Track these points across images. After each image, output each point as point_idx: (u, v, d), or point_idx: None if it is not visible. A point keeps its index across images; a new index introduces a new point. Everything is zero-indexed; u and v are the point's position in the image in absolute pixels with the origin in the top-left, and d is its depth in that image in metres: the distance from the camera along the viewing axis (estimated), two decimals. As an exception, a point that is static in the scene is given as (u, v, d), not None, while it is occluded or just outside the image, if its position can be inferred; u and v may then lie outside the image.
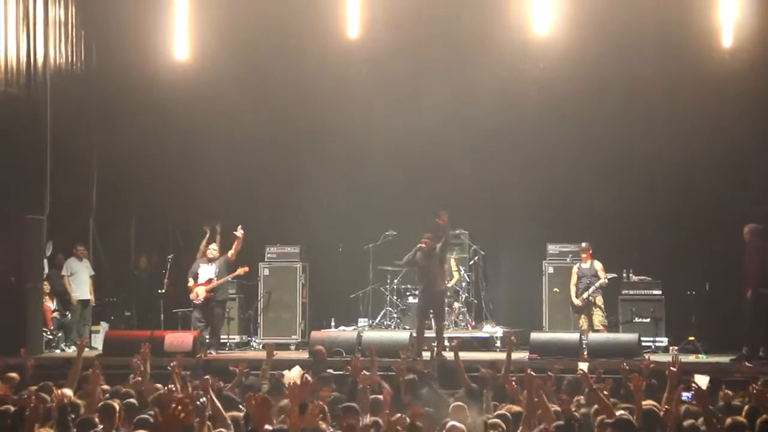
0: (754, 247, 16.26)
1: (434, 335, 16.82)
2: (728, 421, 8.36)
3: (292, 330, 19.23)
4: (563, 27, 18.88)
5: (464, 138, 20.03)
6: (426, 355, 16.02)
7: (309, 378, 9.00)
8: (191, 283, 17.95)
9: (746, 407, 9.12)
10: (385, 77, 19.91)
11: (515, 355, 16.85)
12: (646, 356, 15.39)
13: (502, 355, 16.65)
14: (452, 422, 8.11)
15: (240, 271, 18.17)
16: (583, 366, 10.39)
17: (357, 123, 20.01)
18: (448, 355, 15.97)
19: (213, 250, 18.07)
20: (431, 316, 17.01)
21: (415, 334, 16.92)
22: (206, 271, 17.95)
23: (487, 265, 20.25)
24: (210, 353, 17.15)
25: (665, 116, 19.16)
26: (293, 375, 11.52)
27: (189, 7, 19.91)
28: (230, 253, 17.90)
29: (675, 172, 19.06)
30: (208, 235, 19.64)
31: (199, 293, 17.81)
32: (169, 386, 9.75)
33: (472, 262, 19.82)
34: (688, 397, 9.88)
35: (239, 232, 17.72)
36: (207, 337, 17.69)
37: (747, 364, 11.36)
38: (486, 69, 19.55)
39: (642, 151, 19.29)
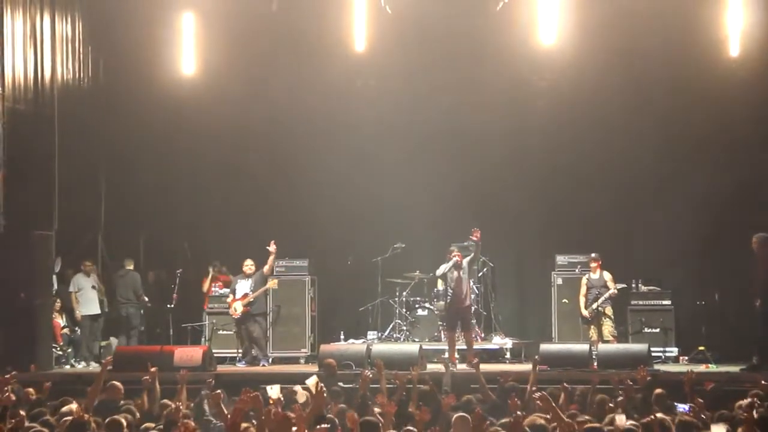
0: (762, 257, 16.23)
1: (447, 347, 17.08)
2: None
3: (302, 343, 19.21)
4: (570, 37, 18.89)
5: (472, 149, 20.07)
6: (432, 367, 16.12)
7: (324, 388, 8.96)
8: (230, 299, 18.43)
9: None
10: (392, 90, 19.92)
11: (525, 367, 16.88)
12: (653, 370, 15.36)
13: (511, 367, 16.83)
14: None
15: (270, 284, 18.44)
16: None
17: (364, 136, 20.04)
18: (461, 367, 16.04)
19: (249, 265, 18.46)
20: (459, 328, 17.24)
21: (424, 347, 17.23)
22: (242, 287, 18.46)
23: (496, 277, 20.21)
24: (263, 365, 18.03)
25: (672, 126, 19.19)
26: (310, 384, 11.50)
27: (195, 22, 19.97)
28: (265, 268, 18.28)
29: (683, 181, 19.02)
30: (210, 275, 19.74)
31: (237, 308, 18.27)
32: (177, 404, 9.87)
33: (481, 273, 19.76)
34: (685, 408, 9.86)
35: (272, 247, 18.00)
36: (253, 351, 18.28)
37: (763, 382, 11.26)
38: (493, 80, 19.61)
39: (650, 160, 19.32)
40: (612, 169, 19.41)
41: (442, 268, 17.07)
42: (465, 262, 16.88)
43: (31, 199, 17.83)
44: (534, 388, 11.45)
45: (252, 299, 18.25)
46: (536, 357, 13.72)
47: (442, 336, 18.79)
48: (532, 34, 19.02)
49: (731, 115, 18.62)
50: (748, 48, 18.31)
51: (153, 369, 12.07)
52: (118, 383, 12.11)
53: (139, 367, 13.35)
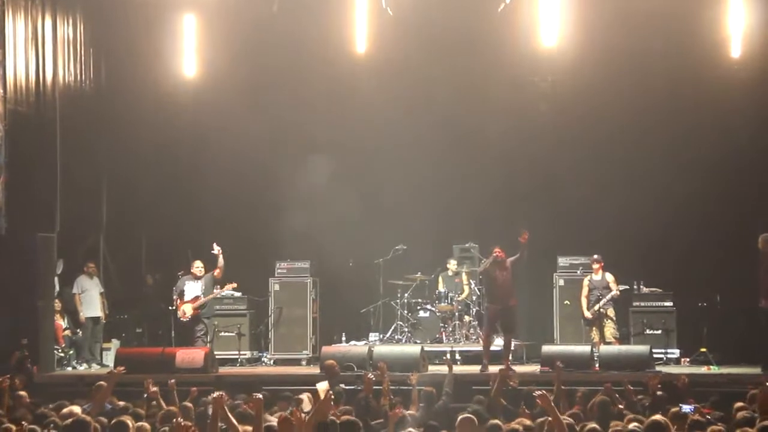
0: (768, 257, 16.21)
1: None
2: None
3: (303, 345, 19.22)
4: (571, 39, 18.89)
5: (473, 150, 20.06)
6: (434, 368, 16.12)
7: (332, 395, 8.93)
8: (178, 301, 18.06)
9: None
10: (393, 91, 19.91)
11: (526, 368, 16.93)
12: (654, 371, 15.35)
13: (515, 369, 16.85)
14: None
15: (229, 286, 18.13)
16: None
17: (365, 137, 20.06)
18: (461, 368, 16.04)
19: (199, 268, 18.08)
20: (498, 328, 17.19)
21: (426, 348, 17.19)
22: (192, 289, 18.00)
23: (498, 278, 20.19)
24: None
25: (674, 127, 19.19)
26: (320, 388, 11.49)
27: (197, 24, 19.96)
28: (216, 271, 17.86)
29: (685, 182, 19.01)
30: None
31: (186, 311, 17.89)
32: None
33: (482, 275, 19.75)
34: (690, 409, 9.84)
35: (216, 250, 17.65)
36: None
37: None
38: (494, 81, 19.63)
39: (651, 162, 19.32)
40: (613, 170, 19.40)
41: (485, 265, 17.01)
42: (509, 261, 16.79)
43: (32, 201, 17.84)
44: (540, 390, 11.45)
45: (204, 302, 17.87)
46: (558, 363, 13.55)
47: (444, 337, 18.80)
48: (533, 35, 19.01)
49: (733, 115, 18.62)
50: (750, 49, 18.32)
51: (154, 389, 11.96)
52: (103, 383, 12.11)
53: (141, 369, 13.33)
